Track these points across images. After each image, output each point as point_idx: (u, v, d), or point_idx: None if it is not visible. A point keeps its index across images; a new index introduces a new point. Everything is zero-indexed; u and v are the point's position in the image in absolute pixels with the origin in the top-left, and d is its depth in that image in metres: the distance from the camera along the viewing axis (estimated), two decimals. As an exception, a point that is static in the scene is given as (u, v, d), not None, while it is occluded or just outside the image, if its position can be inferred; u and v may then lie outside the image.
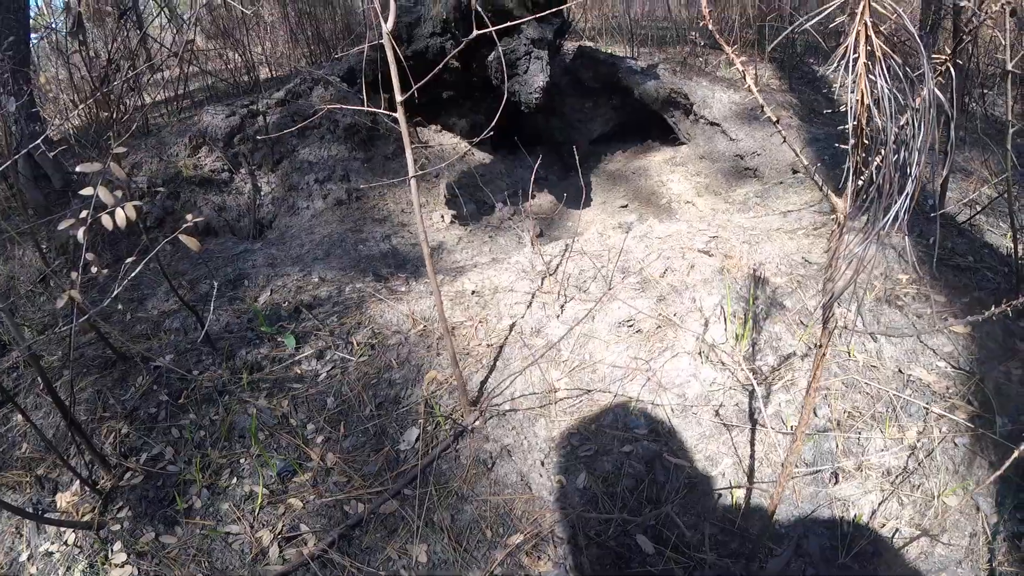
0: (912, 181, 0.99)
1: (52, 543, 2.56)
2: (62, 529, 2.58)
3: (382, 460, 2.58)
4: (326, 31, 7.46)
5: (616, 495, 2.33)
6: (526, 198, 4.95)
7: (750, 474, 2.37)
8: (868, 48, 0.96)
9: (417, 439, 2.61)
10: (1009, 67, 2.79)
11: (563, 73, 5.99)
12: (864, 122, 1.06)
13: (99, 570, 2.42)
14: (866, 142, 1.09)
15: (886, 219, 1.00)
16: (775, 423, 2.51)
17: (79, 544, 2.52)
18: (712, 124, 5.51)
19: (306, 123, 4.38)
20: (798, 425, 1.65)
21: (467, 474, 2.46)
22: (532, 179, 3.51)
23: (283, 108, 4.97)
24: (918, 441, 2.39)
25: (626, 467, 2.39)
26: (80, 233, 2.22)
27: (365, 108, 2.08)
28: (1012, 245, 3.05)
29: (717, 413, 2.56)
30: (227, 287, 3.83)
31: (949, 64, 1.24)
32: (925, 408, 2.48)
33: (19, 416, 3.14)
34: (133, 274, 2.35)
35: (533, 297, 3.19)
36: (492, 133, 2.41)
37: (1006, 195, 2.99)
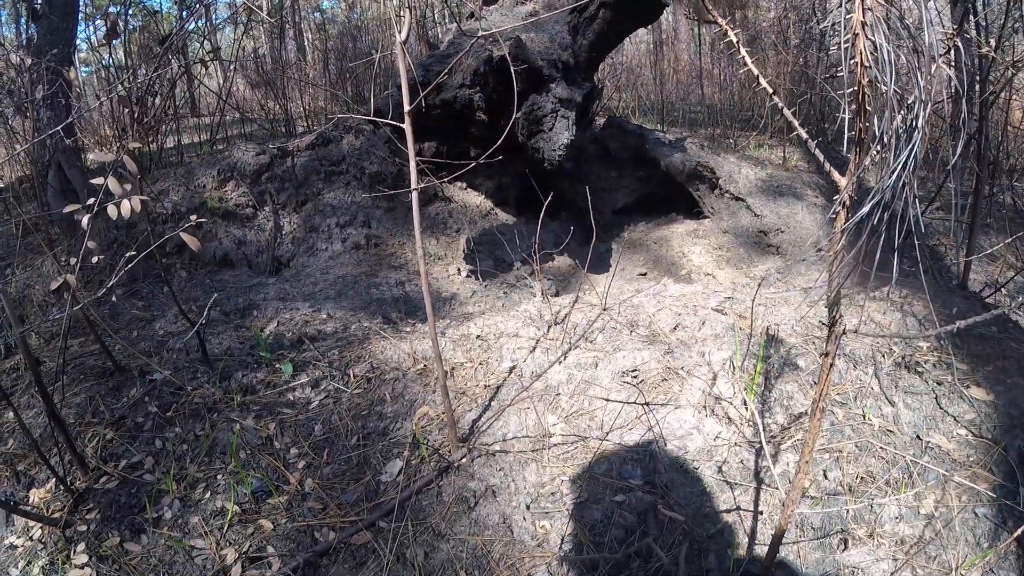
0: (918, 132, 0.93)
1: (18, 537, 2.48)
2: (30, 524, 2.49)
3: (361, 490, 2.48)
4: (366, 90, 7.70)
5: (604, 545, 2.18)
6: (547, 259, 4.94)
7: (751, 535, 2.21)
8: (863, 4, 0.92)
9: (400, 472, 2.50)
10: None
11: (591, 142, 6.08)
12: (864, 84, 1.01)
13: (59, 568, 2.32)
14: (868, 109, 1.04)
15: (893, 167, 0.93)
16: (782, 483, 2.37)
17: (43, 540, 2.43)
18: (737, 199, 5.51)
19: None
20: (803, 451, 1.54)
21: (447, 511, 2.34)
22: (547, 231, 3.48)
23: (312, 152, 5.08)
24: (936, 510, 2.22)
25: (616, 517, 2.25)
26: (84, 220, 2.23)
27: (370, 117, 2.09)
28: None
29: (720, 469, 2.42)
30: (235, 315, 3.82)
31: (956, 40, 1.20)
32: (944, 476, 2.32)
33: (10, 414, 3.11)
34: (130, 266, 2.33)
35: (537, 343, 3.11)
36: (512, 189, 2.40)
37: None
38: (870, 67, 1.15)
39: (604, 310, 3.37)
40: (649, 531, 2.22)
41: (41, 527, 2.49)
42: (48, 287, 4.29)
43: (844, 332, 1.52)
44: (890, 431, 2.53)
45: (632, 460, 2.48)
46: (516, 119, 4.50)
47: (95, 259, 2.37)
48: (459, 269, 4.71)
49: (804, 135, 1.45)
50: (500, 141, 2.41)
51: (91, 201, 2.26)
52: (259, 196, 4.75)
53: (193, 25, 5.86)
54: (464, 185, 5.44)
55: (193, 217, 2.49)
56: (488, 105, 4.48)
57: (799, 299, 3.65)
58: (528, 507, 2.34)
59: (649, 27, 11.06)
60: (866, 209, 1.44)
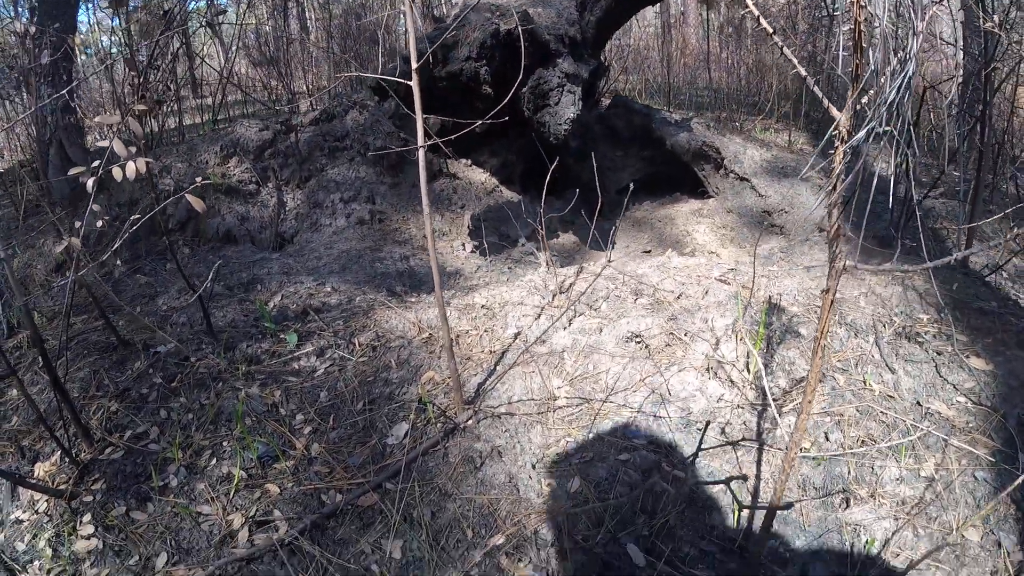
0: (912, 59, 0.91)
1: (24, 511, 2.49)
2: (35, 497, 2.50)
3: (368, 453, 2.47)
4: (369, 68, 7.66)
5: (608, 502, 2.18)
6: (551, 235, 4.91)
7: (755, 494, 2.21)
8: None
9: (406, 434, 2.50)
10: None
11: (597, 121, 6.03)
12: (860, 21, 0.99)
13: (65, 540, 2.33)
14: (864, 45, 1.02)
15: (888, 92, 0.92)
16: (783, 444, 2.36)
17: (49, 513, 2.44)
18: (742, 179, 5.47)
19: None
20: (805, 391, 1.52)
21: (454, 472, 2.33)
22: (552, 208, 3.45)
23: (316, 128, 5.05)
24: (936, 473, 2.22)
25: (621, 475, 2.24)
26: (89, 183, 2.22)
27: (378, 76, 2.07)
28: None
29: (723, 431, 2.42)
30: (239, 289, 3.81)
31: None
32: (944, 440, 2.32)
33: (14, 391, 3.11)
34: (135, 228, 2.32)
35: (542, 311, 3.10)
36: (517, 166, 2.38)
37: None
38: (865, 5, 1.14)
39: (608, 279, 3.35)
40: (653, 489, 2.21)
41: (47, 500, 2.49)
42: (50, 267, 4.29)
43: (844, 268, 1.51)
44: (890, 396, 2.54)
45: (636, 421, 2.47)
46: (522, 93, 4.46)
47: (99, 223, 2.35)
48: (464, 245, 4.69)
49: (803, 72, 1.43)
50: (503, 104, 2.38)
51: (96, 164, 2.24)
52: (262, 172, 4.73)
53: (193, 4, 5.82)
54: (469, 162, 5.40)
55: (199, 179, 2.47)
56: (494, 79, 4.43)
57: (801, 273, 3.65)
58: (534, 466, 2.34)
59: (657, 10, 10.99)
60: (861, 134, 1.43)
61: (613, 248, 5.25)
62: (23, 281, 4.10)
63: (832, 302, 1.39)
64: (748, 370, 2.67)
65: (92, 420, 2.80)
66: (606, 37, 5.84)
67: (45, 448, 2.76)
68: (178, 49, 5.22)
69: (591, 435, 2.44)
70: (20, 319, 3.51)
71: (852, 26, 1.18)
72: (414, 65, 2.09)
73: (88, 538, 2.35)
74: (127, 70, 4.74)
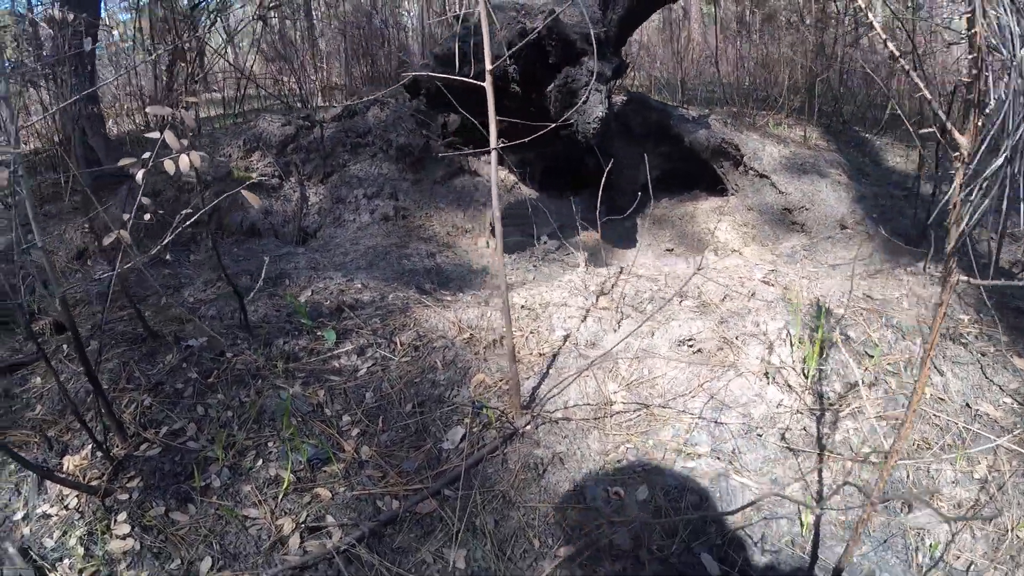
0: None
1: (51, 505, 2.39)
2: (64, 492, 2.40)
3: (422, 457, 2.40)
4: (380, 67, 7.60)
5: (681, 510, 2.12)
6: (572, 233, 4.84)
7: (819, 500, 2.17)
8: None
9: (462, 439, 2.43)
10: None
11: (613, 118, 5.96)
12: (983, 50, 0.94)
13: (98, 539, 2.24)
14: (986, 73, 0.97)
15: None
16: (843, 450, 2.35)
17: (80, 510, 2.34)
18: (761, 176, 5.43)
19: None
20: (910, 403, 1.48)
21: (515, 479, 2.27)
22: (571, 206, 3.39)
23: (338, 124, 4.97)
24: (989, 474, 2.23)
25: (689, 483, 2.19)
26: (140, 175, 2.13)
27: (454, 77, 2.00)
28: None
29: (783, 436, 2.39)
30: (267, 283, 3.73)
31: None
32: (994, 442, 2.32)
33: (38, 379, 3.02)
34: (188, 223, 2.23)
35: (587, 312, 3.04)
36: (536, 164, 2.32)
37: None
38: (989, 35, 1.11)
39: (650, 280, 3.29)
40: (722, 496, 2.16)
41: (77, 495, 2.39)
42: (71, 254, 4.17)
43: (957, 282, 1.47)
44: (941, 399, 2.54)
45: (698, 427, 2.43)
46: (549, 91, 4.40)
47: (147, 216, 2.26)
48: (487, 242, 4.63)
49: (928, 95, 1.39)
50: (532, 102, 2.31)
51: (146, 155, 2.16)
52: (285, 167, 4.64)
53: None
54: (489, 159, 5.33)
55: (254, 173, 2.38)
56: (522, 77, 4.37)
57: (838, 274, 3.64)
58: (597, 474, 2.28)
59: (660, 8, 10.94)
60: (999, 162, 1.40)
61: (635, 246, 5.20)
62: (43, 268, 3.98)
63: (942, 315, 1.34)
64: (804, 375, 2.63)
65: (124, 414, 2.71)
66: (627, 35, 5.77)
67: (74, 440, 2.66)
68: (204, 38, 5.11)
69: (651, 442, 2.38)
70: (43, 306, 3.41)
71: (974, 54, 1.16)
72: (488, 67, 2.03)
73: (124, 538, 2.25)
74: (154, 64, 4.65)
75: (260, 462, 2.45)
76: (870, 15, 1.53)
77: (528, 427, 2.42)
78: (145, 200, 2.21)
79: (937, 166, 4.66)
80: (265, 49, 6.94)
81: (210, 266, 4.02)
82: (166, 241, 2.25)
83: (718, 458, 2.32)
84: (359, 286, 3.59)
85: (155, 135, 2.16)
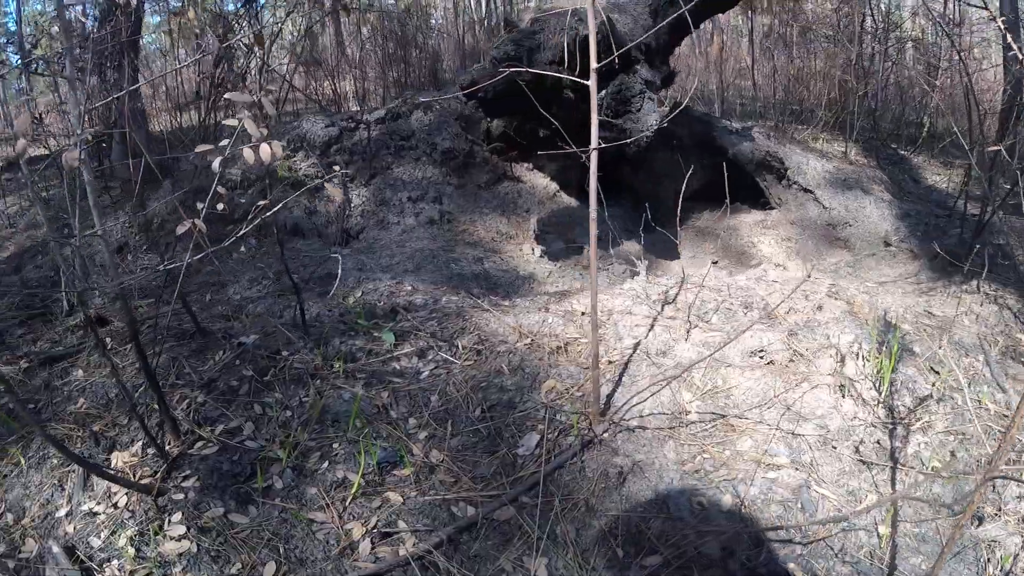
0: None
1: (98, 503, 2.28)
2: (113, 489, 2.30)
3: (497, 464, 2.32)
4: (412, 73, 7.59)
5: (763, 522, 2.04)
6: (615, 243, 4.77)
7: (895, 513, 2.09)
8: None
9: (538, 445, 2.35)
10: None
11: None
12: None
13: (150, 540, 2.13)
14: None
15: None
16: (915, 463, 2.30)
17: (131, 508, 2.23)
18: (805, 191, 5.36)
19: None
20: (1012, 419, 1.40)
21: (594, 487, 2.19)
22: (611, 215, 3.32)
23: (382, 126, 4.92)
24: None
25: (772, 494, 2.11)
26: (216, 163, 2.07)
27: (559, 75, 1.93)
28: None
29: (857, 449, 2.34)
30: (315, 284, 3.67)
31: None
32: None
33: (79, 371, 2.94)
34: (270, 213, 2.16)
35: (655, 321, 2.96)
36: (574, 171, 2.25)
37: None
38: None
39: (713, 291, 3.22)
40: (804, 507, 2.09)
41: (127, 493, 2.29)
42: (111, 248, 4.11)
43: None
44: (1005, 416, 2.53)
45: (775, 438, 2.36)
46: (602, 98, 4.34)
47: (220, 206, 2.19)
48: (532, 249, 4.56)
49: None
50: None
51: (224, 142, 2.09)
52: (328, 168, 4.59)
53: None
54: (531, 166, 5.28)
55: (336, 168, 2.32)
56: (574, 84, 4.33)
57: (894, 290, 3.60)
58: (678, 483, 2.19)
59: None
60: None
61: (678, 258, 5.12)
62: (84, 262, 3.93)
63: None
64: (876, 388, 2.56)
65: (177, 410, 2.62)
66: (675, 44, 5.73)
67: (122, 436, 2.57)
68: (256, 35, 5.07)
69: (727, 452, 2.30)
70: (81, 299, 3.35)
71: None
72: (594, 65, 1.96)
73: (179, 539, 2.14)
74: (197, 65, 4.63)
75: (326, 464, 2.36)
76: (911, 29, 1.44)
77: (606, 435, 2.34)
78: (221, 189, 2.14)
79: (990, 184, 4.58)
80: (298, 53, 6.93)
81: (253, 265, 3.95)
82: (242, 232, 2.17)
83: (797, 469, 2.25)
84: (409, 288, 3.51)
85: (233, 122, 2.10)
